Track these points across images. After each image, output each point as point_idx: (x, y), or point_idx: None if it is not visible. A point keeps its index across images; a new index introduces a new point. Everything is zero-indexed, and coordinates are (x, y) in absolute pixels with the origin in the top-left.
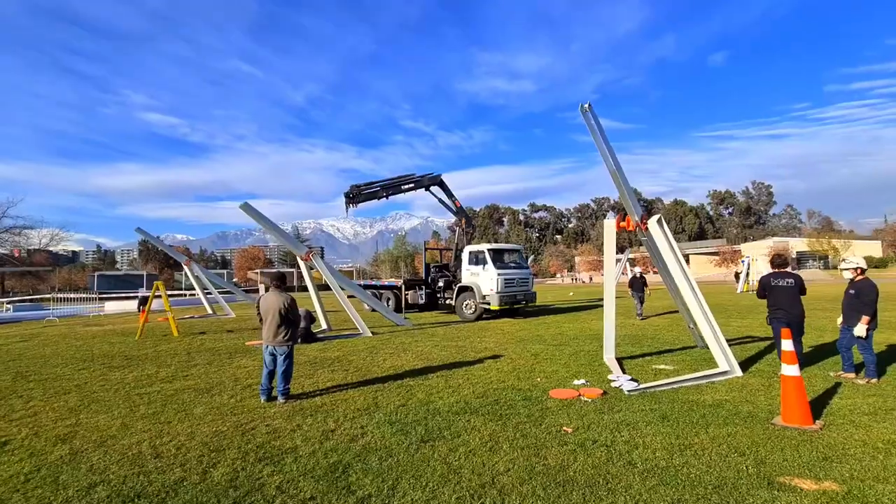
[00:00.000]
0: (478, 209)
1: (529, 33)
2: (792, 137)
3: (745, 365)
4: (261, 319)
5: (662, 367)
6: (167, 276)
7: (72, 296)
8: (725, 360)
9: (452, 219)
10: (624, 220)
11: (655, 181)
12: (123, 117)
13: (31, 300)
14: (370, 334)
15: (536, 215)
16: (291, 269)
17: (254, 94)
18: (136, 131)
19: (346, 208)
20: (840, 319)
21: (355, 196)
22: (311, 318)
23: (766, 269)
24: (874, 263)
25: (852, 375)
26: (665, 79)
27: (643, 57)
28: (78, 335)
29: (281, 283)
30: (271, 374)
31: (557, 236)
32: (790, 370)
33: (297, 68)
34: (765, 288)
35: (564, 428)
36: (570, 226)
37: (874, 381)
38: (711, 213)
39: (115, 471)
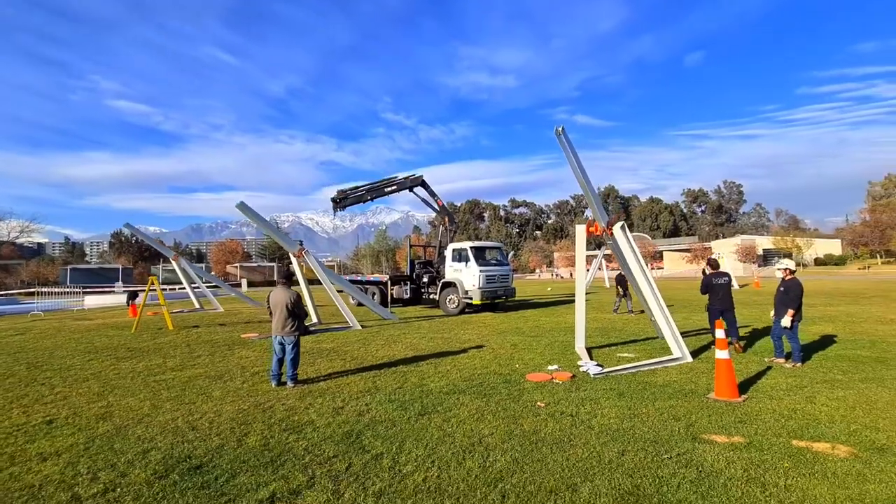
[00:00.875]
0: (459, 204)
1: (510, 28)
2: (763, 138)
3: (696, 353)
4: (270, 313)
5: (625, 354)
6: (142, 269)
7: (56, 290)
8: (678, 348)
9: (433, 214)
10: (593, 226)
11: (633, 178)
12: (92, 105)
13: (10, 294)
14: (359, 327)
15: (517, 211)
16: (272, 264)
17: (230, 83)
18: (106, 119)
19: (335, 212)
20: (773, 312)
21: (341, 201)
22: (303, 312)
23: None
24: (834, 261)
25: (782, 360)
26: (644, 78)
27: (623, 56)
28: (72, 329)
29: (288, 280)
30: (280, 362)
31: (537, 232)
32: (721, 354)
33: (276, 58)
34: (707, 286)
35: (538, 403)
36: (549, 222)
37: (798, 365)
38: (685, 210)
39: (160, 440)
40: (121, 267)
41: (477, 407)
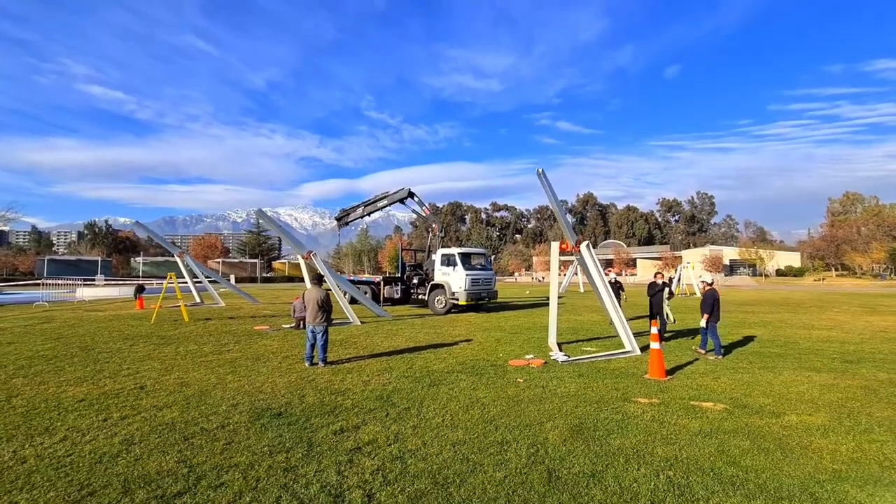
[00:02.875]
0: (441, 205)
1: (495, 33)
2: (736, 151)
3: (645, 348)
4: (304, 307)
5: (588, 348)
6: (119, 261)
7: (59, 281)
8: (630, 343)
9: (415, 214)
10: (564, 243)
11: (612, 186)
12: (61, 89)
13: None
14: (359, 323)
15: (498, 214)
16: (254, 261)
17: (210, 73)
18: (76, 105)
19: (339, 229)
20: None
21: (342, 218)
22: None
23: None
24: (793, 273)
25: (703, 351)
26: (624, 88)
27: (604, 65)
28: (92, 319)
29: (319, 281)
30: (313, 346)
31: (517, 236)
32: (655, 345)
33: (257, 50)
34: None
35: (518, 379)
36: (529, 226)
37: (719, 357)
38: (660, 219)
39: (240, 399)
40: (100, 259)
41: (472, 381)
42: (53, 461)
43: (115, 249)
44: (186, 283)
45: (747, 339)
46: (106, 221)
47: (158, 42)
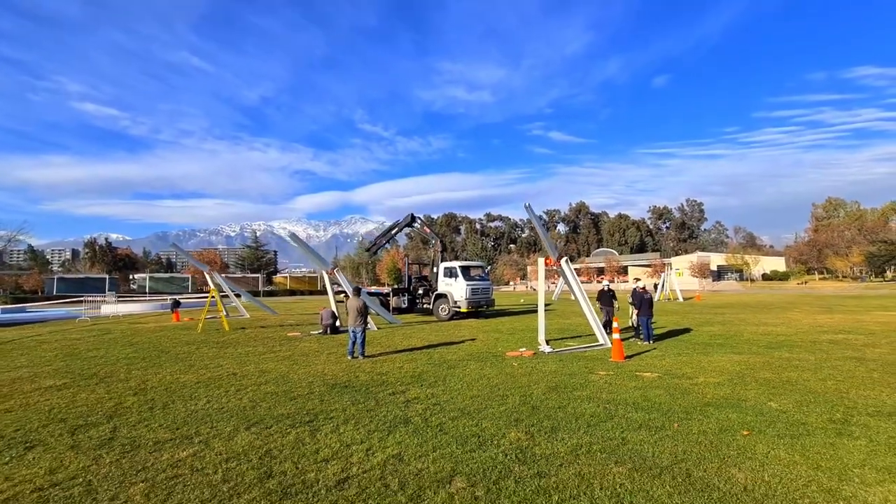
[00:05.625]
0: (436, 217)
1: (484, 47)
2: (724, 158)
3: None
4: (346, 312)
5: (570, 343)
6: (119, 277)
7: (98, 298)
8: (602, 337)
9: (408, 229)
10: (548, 259)
11: (604, 193)
12: (55, 106)
13: (59, 302)
14: (376, 328)
15: (492, 225)
16: (256, 275)
17: (204, 89)
18: (69, 122)
19: (370, 258)
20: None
21: (370, 249)
22: (335, 316)
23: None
24: (778, 277)
25: (649, 343)
26: (613, 98)
27: (593, 76)
28: (144, 330)
29: (358, 292)
30: (354, 343)
31: (511, 245)
32: (615, 336)
33: (250, 66)
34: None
35: (513, 364)
36: (523, 236)
37: (647, 343)
38: (651, 226)
39: (313, 379)
40: (107, 277)
41: (479, 365)
42: (214, 411)
43: (115, 267)
44: (213, 297)
45: (700, 334)
46: (106, 239)
47: (153, 59)
